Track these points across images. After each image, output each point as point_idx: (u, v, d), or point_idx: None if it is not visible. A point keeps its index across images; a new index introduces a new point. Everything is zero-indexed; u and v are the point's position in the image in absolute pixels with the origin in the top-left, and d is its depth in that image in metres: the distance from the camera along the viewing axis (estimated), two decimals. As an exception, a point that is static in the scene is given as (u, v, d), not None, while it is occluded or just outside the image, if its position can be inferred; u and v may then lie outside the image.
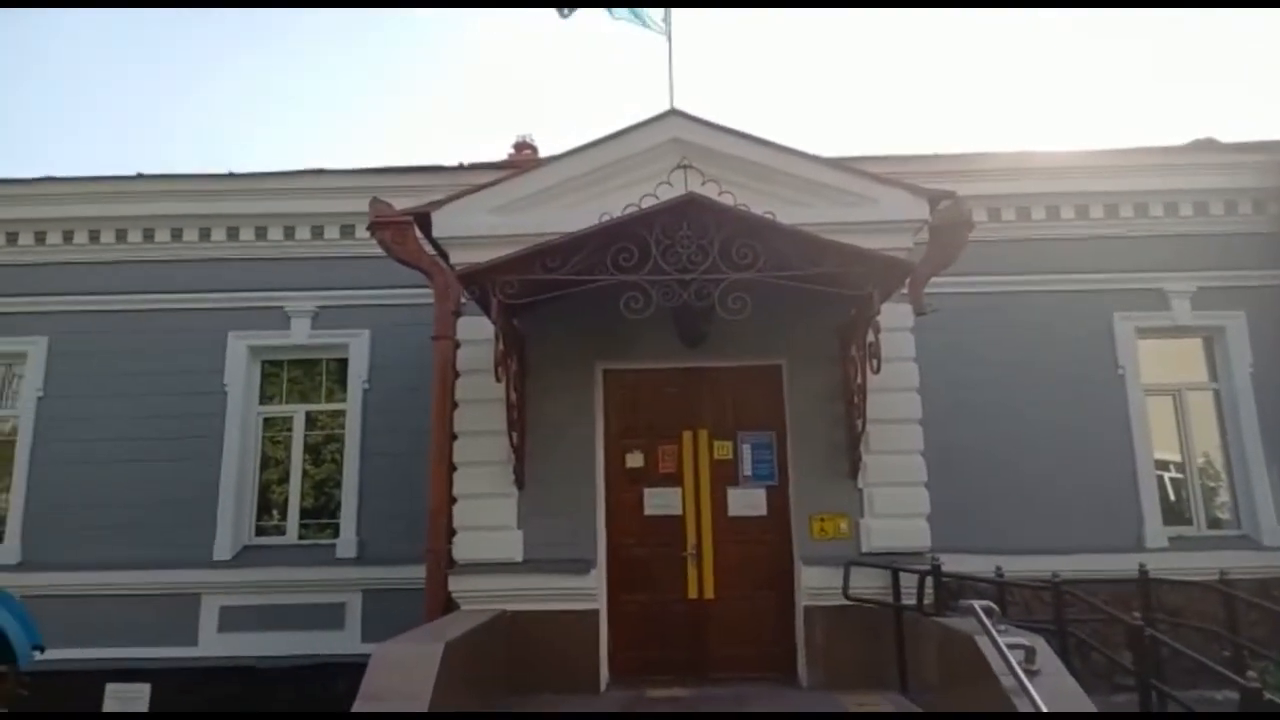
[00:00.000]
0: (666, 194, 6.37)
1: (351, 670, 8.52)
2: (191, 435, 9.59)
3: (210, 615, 9.28)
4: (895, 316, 7.16)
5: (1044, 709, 3.97)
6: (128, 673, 7.24)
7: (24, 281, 10.03)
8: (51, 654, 7.30)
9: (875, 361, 6.56)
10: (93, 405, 9.69)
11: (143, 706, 6.25)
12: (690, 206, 6.16)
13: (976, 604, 4.75)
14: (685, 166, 6.73)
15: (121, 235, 10.12)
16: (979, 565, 7.37)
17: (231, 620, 9.27)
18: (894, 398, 7.19)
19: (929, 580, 6.26)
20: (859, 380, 6.94)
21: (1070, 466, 9.36)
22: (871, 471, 7.21)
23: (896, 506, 7.15)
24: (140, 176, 10.02)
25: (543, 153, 10.54)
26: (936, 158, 9.94)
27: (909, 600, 6.54)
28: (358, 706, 4.65)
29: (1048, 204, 10.12)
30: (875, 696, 6.43)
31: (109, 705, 6.21)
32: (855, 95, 39.09)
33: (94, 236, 10.13)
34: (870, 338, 6.56)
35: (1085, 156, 10.11)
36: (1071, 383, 9.59)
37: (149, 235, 10.12)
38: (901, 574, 6.66)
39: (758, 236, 6.12)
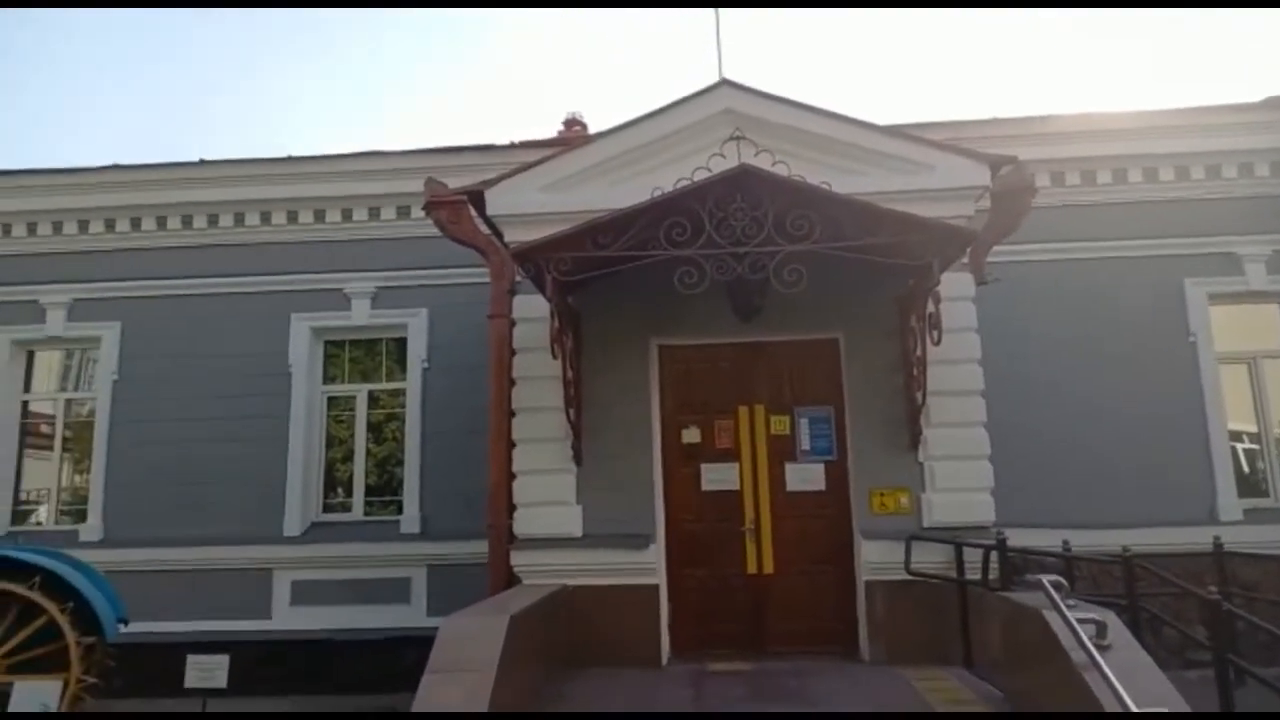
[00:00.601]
0: (719, 166, 6.28)
1: (419, 643, 8.75)
2: (259, 415, 9.87)
3: (283, 589, 9.59)
4: (956, 286, 7.01)
5: (1117, 685, 3.88)
6: (207, 645, 7.51)
7: (96, 268, 10.38)
8: (135, 626, 7.60)
9: (936, 333, 6.43)
10: (165, 387, 10.01)
11: (222, 677, 6.49)
12: (744, 178, 6.08)
13: (1045, 579, 4.65)
14: (738, 138, 6.63)
15: (187, 221, 10.40)
16: (1044, 540, 7.25)
17: (303, 594, 9.57)
18: (955, 370, 7.06)
19: (994, 555, 6.15)
20: (919, 352, 6.82)
21: (1140, 438, 9.10)
22: (932, 445, 7.10)
23: (959, 480, 7.03)
24: (203, 162, 10.25)
25: (592, 130, 10.51)
26: (996, 121, 9.67)
27: (973, 575, 6.44)
28: (427, 678, 4.76)
29: (1114, 167, 9.78)
30: (940, 672, 6.37)
31: (190, 676, 6.46)
32: (902, 66, 38.12)
33: (161, 223, 10.43)
34: (930, 308, 6.43)
35: (1154, 117, 9.73)
36: (1141, 351, 9.31)
37: (213, 220, 10.38)
38: (965, 549, 6.56)
39: (813, 207, 6.02)
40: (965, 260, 7.20)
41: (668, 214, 6.12)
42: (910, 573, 6.76)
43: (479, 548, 8.24)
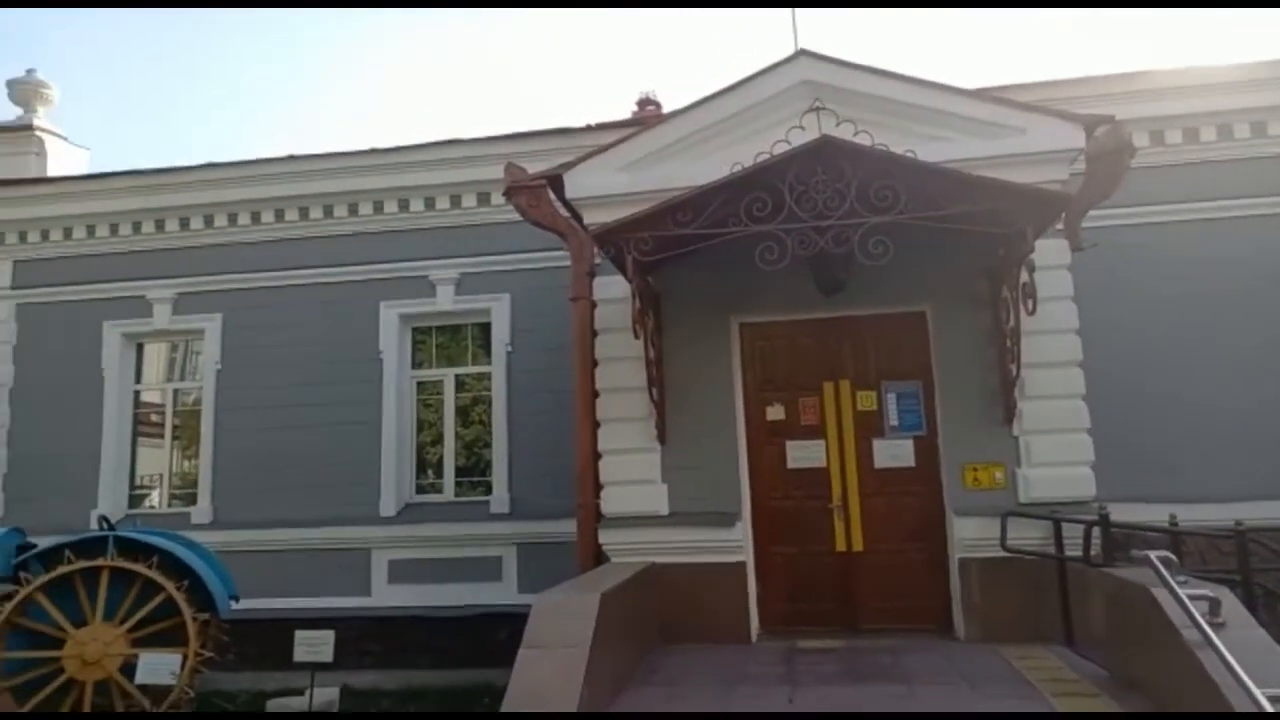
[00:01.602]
0: (799, 139, 6.18)
1: (511, 619, 9.01)
2: (353, 401, 10.21)
3: (380, 568, 9.94)
4: (1050, 254, 6.74)
5: (1234, 664, 3.71)
6: (311, 621, 7.83)
7: (198, 263, 10.87)
8: (244, 603, 8.01)
9: (1030, 302, 6.20)
10: (265, 375, 10.44)
11: (328, 652, 6.77)
12: (825, 150, 5.97)
13: (1152, 554, 4.47)
14: (818, 109, 6.50)
15: (279, 214, 10.78)
16: (1148, 515, 6.92)
17: (399, 572, 9.90)
18: (1051, 340, 6.81)
19: (1096, 531, 5.94)
20: (1012, 323, 6.60)
21: (1253, 407, 8.63)
22: (1028, 418, 6.87)
23: (1057, 454, 6.80)
24: (291, 158, 10.60)
25: (665, 109, 10.45)
26: (1089, 80, 9.22)
27: (1073, 552, 6.24)
28: (522, 653, 4.87)
29: (1219, 123, 9.23)
30: (1039, 650, 6.20)
31: (298, 651, 6.75)
32: (978, 33, 36.69)
33: (255, 218, 10.84)
34: (1024, 277, 6.20)
35: (1261, 68, 9.12)
36: (1253, 316, 8.81)
37: (304, 213, 10.74)
38: (1065, 525, 6.36)
39: (898, 176, 5.87)
40: (1060, 226, 6.92)
41: (747, 189, 6.06)
42: (1006, 549, 6.58)
43: (567, 527, 8.37)
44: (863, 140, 6.13)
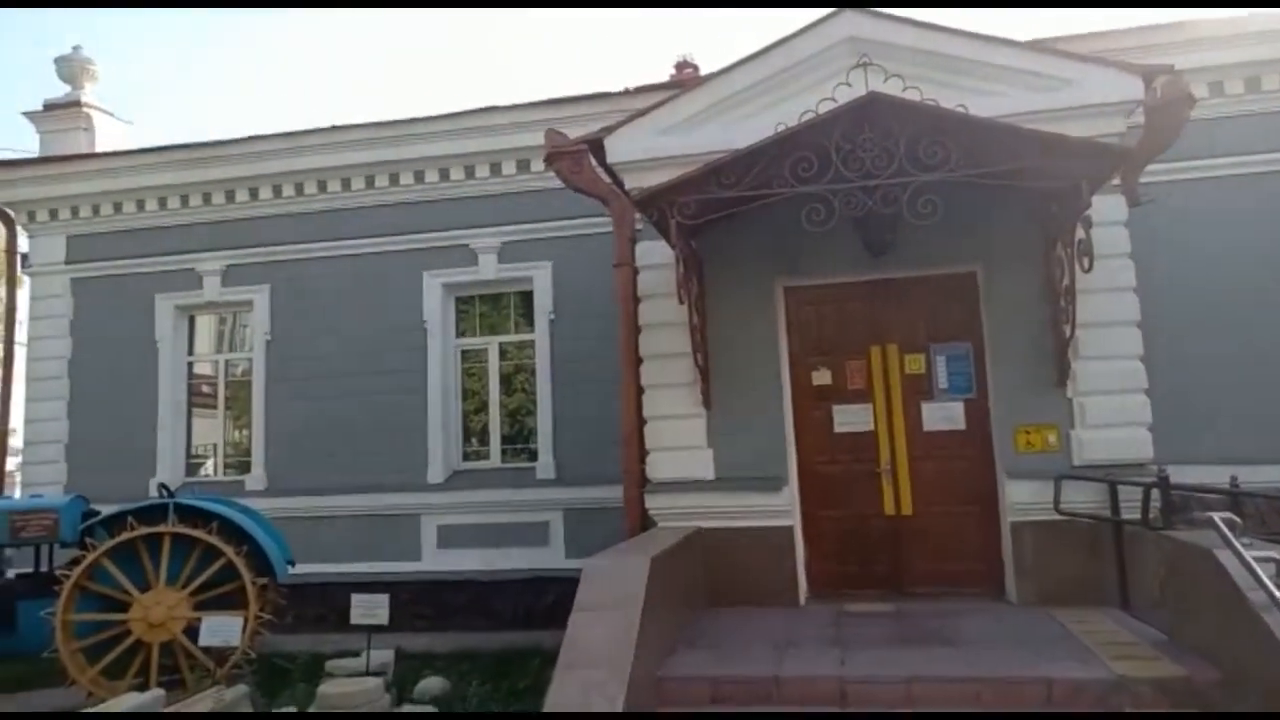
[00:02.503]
0: (845, 97, 6.03)
1: (559, 583, 9.18)
2: (399, 370, 10.33)
3: (430, 533, 10.11)
4: (1106, 210, 6.53)
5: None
6: (365, 584, 8.02)
7: (245, 235, 11.02)
8: (300, 568, 8.20)
9: (1086, 260, 6.04)
10: (312, 345, 10.60)
11: (384, 615, 6.92)
12: (871, 106, 5.82)
13: (1216, 515, 4.37)
14: (864, 64, 6.33)
15: (322, 186, 10.86)
16: (1207, 477, 6.78)
17: (449, 538, 10.06)
18: (1107, 298, 6.63)
19: (1154, 493, 5.81)
20: (1066, 282, 6.43)
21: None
22: (1082, 380, 6.72)
23: (1112, 416, 6.65)
24: (333, 128, 10.63)
25: (703, 72, 10.27)
26: (1144, 29, 8.85)
27: (1130, 515, 6.13)
28: (575, 616, 4.92)
29: (1283, 70, 8.84)
30: (1094, 614, 6.12)
31: (355, 614, 6.92)
32: (1042, -31, 35.43)
33: (298, 189, 10.93)
34: (1080, 234, 6.03)
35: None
36: (1317, 271, 8.49)
37: (345, 184, 10.80)
38: (1121, 487, 6.23)
39: (947, 133, 5.71)
40: (1116, 181, 6.71)
41: (792, 149, 5.95)
42: (1060, 512, 6.48)
43: (612, 492, 8.41)
44: (911, 96, 5.97)
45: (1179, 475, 6.19)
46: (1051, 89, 6.71)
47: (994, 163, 5.67)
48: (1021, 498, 6.73)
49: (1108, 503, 6.39)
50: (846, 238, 6.90)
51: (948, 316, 7.25)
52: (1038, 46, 6.99)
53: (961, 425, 7.14)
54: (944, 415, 7.18)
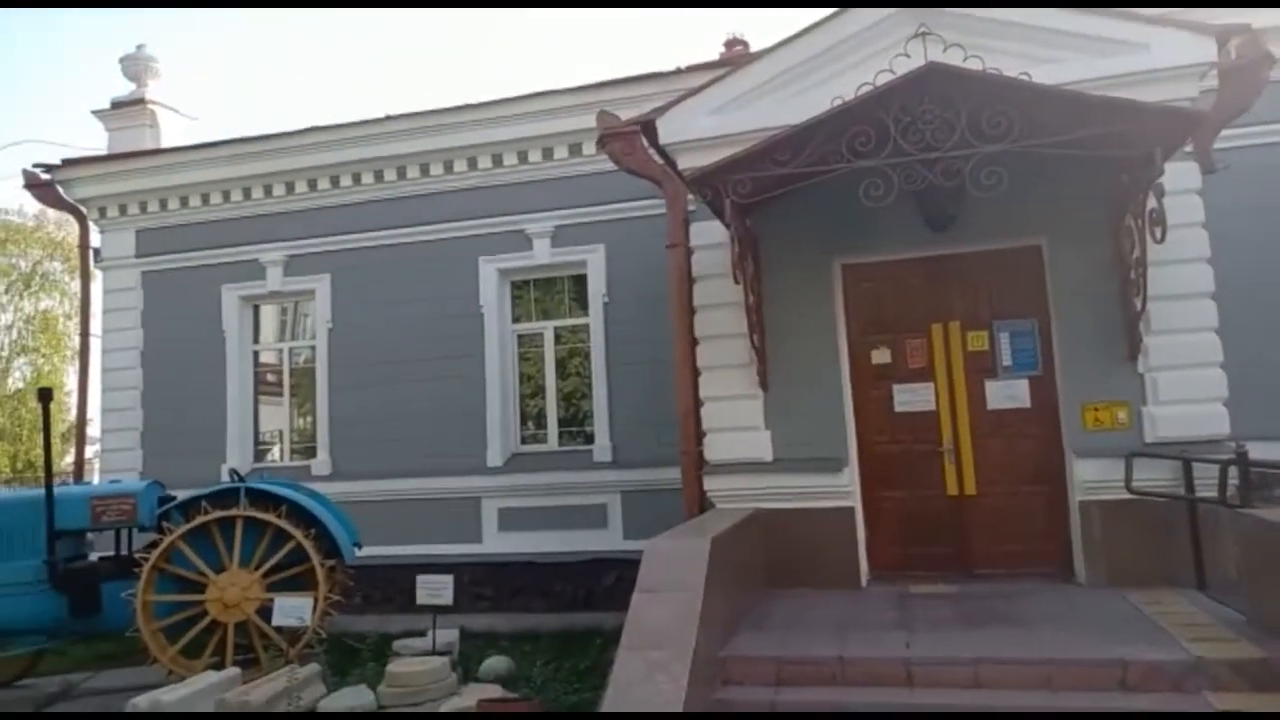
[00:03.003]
0: (904, 68, 5.90)
1: (618, 565, 9.29)
2: (458, 355, 10.46)
3: (490, 516, 10.25)
4: (1178, 178, 6.30)
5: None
6: (428, 567, 8.17)
7: (305, 226, 11.24)
8: (365, 550, 8.37)
9: (1158, 230, 5.83)
10: (373, 332, 10.78)
11: (449, 596, 7.05)
12: (931, 77, 5.67)
13: (1301, 493, 4.20)
14: (923, 34, 6.19)
15: (378, 175, 11.01)
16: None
17: (509, 520, 10.19)
18: (1180, 270, 6.40)
19: (1233, 470, 5.62)
20: (1137, 253, 6.23)
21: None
22: (1154, 354, 6.51)
23: (1186, 391, 6.43)
24: (388, 118, 10.76)
25: (754, 49, 10.12)
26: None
27: (1206, 493, 5.94)
28: (637, 597, 4.94)
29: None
30: (1168, 594, 5.96)
31: (420, 594, 7.06)
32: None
33: (356, 179, 11.09)
34: (1151, 204, 5.83)
35: None
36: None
37: (401, 173, 10.94)
38: (1196, 464, 6.04)
39: (1012, 102, 5.55)
40: (1189, 148, 6.46)
41: (849, 124, 5.84)
42: (1131, 491, 6.31)
43: (669, 474, 8.43)
44: (972, 65, 5.81)
45: (1258, 452, 5.97)
46: (1119, 53, 6.47)
47: (1060, 131, 5.49)
48: (1090, 476, 6.57)
49: (1181, 481, 6.21)
50: (906, 213, 6.77)
51: (1011, 292, 7.08)
52: (1104, 10, 6.73)
53: (1027, 403, 6.99)
54: (1008, 393, 7.03)
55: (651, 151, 7.73)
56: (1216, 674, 4.58)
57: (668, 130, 7.36)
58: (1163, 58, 6.38)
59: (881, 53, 6.51)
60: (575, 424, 10.64)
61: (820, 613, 6.08)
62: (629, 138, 7.78)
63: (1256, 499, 5.58)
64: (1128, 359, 6.60)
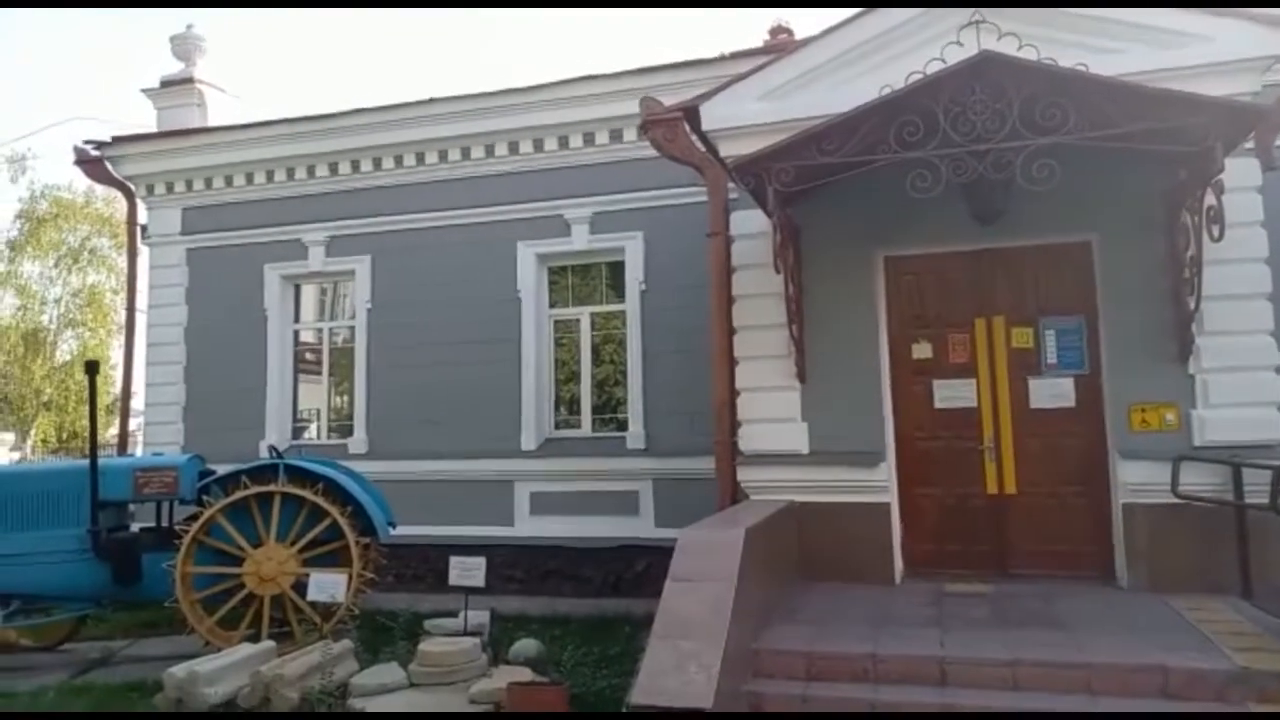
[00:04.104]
0: (955, 57, 5.78)
1: (649, 552, 9.28)
2: (495, 339, 10.48)
3: (523, 500, 10.28)
4: (1238, 174, 6.08)
5: None
6: (460, 548, 8.21)
7: (347, 207, 11.31)
8: (399, 530, 8.45)
9: (1216, 228, 5.66)
10: (412, 314, 10.84)
11: (481, 577, 7.09)
12: (983, 66, 5.56)
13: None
14: (976, 23, 6.05)
15: (420, 158, 11.05)
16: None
17: (541, 504, 10.21)
18: (1236, 269, 6.21)
19: (1286, 477, 5.46)
20: (1192, 251, 6.06)
21: None
22: (1206, 356, 6.34)
23: (1238, 395, 6.26)
24: (431, 100, 10.78)
25: (798, 37, 10.00)
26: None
27: (1256, 499, 5.78)
28: (670, 585, 4.93)
29: None
30: (1212, 601, 5.82)
31: (453, 575, 7.11)
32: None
33: (398, 161, 11.14)
34: (1210, 201, 5.66)
35: None
36: None
37: (443, 156, 10.95)
38: (1246, 469, 5.89)
39: (1067, 93, 5.41)
40: (1249, 145, 6.26)
41: (898, 113, 5.75)
42: (1178, 495, 6.17)
43: (702, 463, 8.40)
44: (1028, 55, 5.67)
45: (1311, 459, 5.79)
46: (1179, 45, 6.27)
47: (1117, 125, 5.35)
48: (1135, 478, 6.43)
49: (1229, 486, 6.07)
50: (952, 205, 6.64)
51: (1059, 288, 6.95)
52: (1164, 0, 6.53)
53: (1071, 402, 6.85)
54: (1053, 391, 6.90)
55: (694, 138, 7.66)
56: (1263, 685, 4.46)
57: (711, 117, 7.29)
58: (1226, 50, 6.18)
59: (932, 41, 6.40)
60: (609, 411, 10.63)
61: (853, 608, 6.03)
62: (672, 124, 7.71)
63: (1310, 507, 5.42)
64: (1178, 360, 6.44)
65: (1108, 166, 6.22)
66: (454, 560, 7.18)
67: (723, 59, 9.75)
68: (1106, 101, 5.41)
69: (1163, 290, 6.48)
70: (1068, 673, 4.76)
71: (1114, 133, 5.36)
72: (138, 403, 12.87)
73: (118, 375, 14.56)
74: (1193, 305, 6.17)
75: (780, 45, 9.90)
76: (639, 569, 9.55)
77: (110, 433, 17.22)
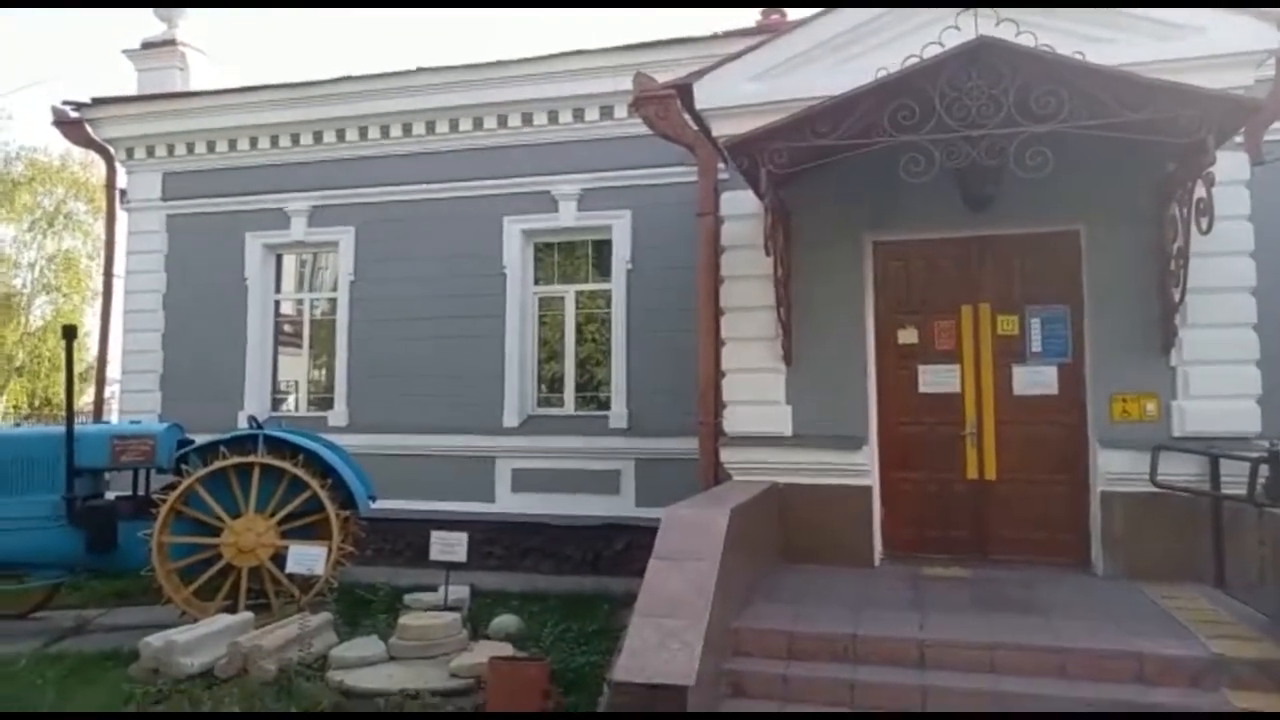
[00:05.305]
0: (953, 41, 5.74)
1: (630, 531, 9.29)
2: (479, 314, 10.40)
3: (504, 476, 10.24)
4: (1226, 168, 6.08)
5: None
6: (440, 523, 8.17)
7: (331, 177, 11.15)
8: (379, 504, 8.40)
9: (1205, 220, 5.69)
10: (395, 287, 10.73)
11: (462, 553, 7.08)
12: (981, 51, 5.52)
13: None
14: (976, 6, 6.01)
15: (407, 129, 10.89)
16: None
17: (521, 481, 10.19)
18: (1221, 263, 6.26)
19: (1261, 469, 5.52)
20: (1179, 243, 6.10)
21: None
22: (1189, 347, 6.40)
23: (1219, 386, 6.33)
24: (420, 70, 10.62)
25: (790, 19, 9.92)
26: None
27: (1233, 490, 5.86)
28: (653, 563, 4.91)
29: None
30: (1187, 590, 5.90)
31: (434, 549, 7.09)
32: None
33: (384, 131, 10.97)
34: (1200, 193, 5.68)
35: None
36: None
37: (430, 127, 10.81)
38: (1224, 461, 5.96)
39: (1063, 81, 5.40)
40: (1238, 139, 6.29)
41: (893, 96, 5.71)
42: (1156, 485, 6.23)
43: (684, 444, 8.41)
44: (1025, 41, 5.65)
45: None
46: (1173, 37, 6.28)
47: (1112, 114, 5.34)
48: (1114, 467, 6.50)
49: (1207, 476, 6.14)
50: (943, 191, 6.64)
51: (1045, 276, 6.98)
52: (1161, -11, 6.53)
53: (1054, 390, 6.90)
54: (1036, 379, 6.95)
55: (686, 116, 7.60)
56: (1238, 672, 4.53)
57: (704, 95, 7.23)
58: (1221, 43, 6.19)
59: (928, 24, 6.35)
60: (592, 389, 10.60)
61: (833, 589, 6.06)
62: (665, 101, 7.65)
63: (1287, 499, 5.49)
64: (1160, 351, 6.49)
65: (1098, 157, 6.23)
66: (435, 535, 7.16)
67: (715, 38, 9.67)
68: (1102, 90, 5.40)
69: (1148, 282, 6.52)
70: (1044, 657, 4.80)
71: (1108, 122, 5.36)
72: (113, 370, 12.68)
73: (93, 342, 14.37)
74: (1178, 297, 6.22)
75: (772, 26, 9.83)
76: (618, 548, 9.57)
77: (85, 400, 16.95)
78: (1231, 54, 6.20)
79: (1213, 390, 6.34)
